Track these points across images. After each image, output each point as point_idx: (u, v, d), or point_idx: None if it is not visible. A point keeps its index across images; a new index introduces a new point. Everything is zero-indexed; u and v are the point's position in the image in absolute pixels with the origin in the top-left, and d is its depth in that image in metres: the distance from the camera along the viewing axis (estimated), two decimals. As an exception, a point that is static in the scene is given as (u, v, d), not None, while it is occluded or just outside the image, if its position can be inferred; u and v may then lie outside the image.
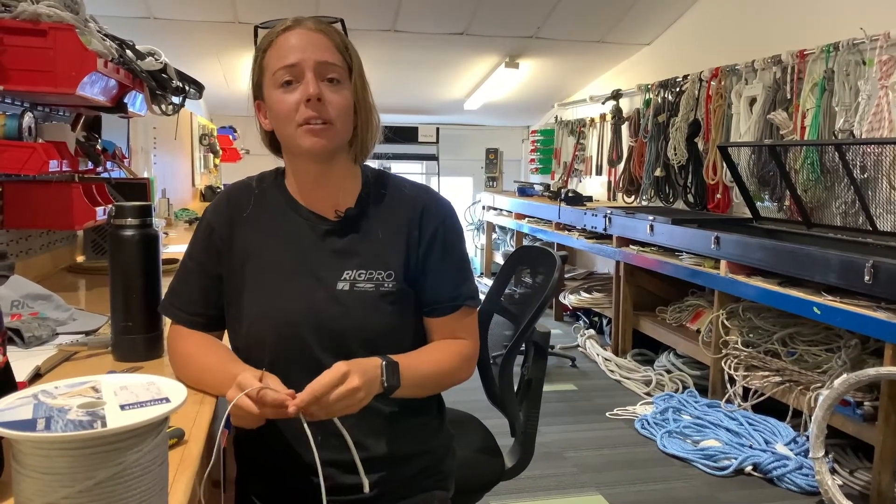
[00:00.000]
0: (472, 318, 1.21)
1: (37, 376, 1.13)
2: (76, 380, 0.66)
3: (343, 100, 1.08)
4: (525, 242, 6.03)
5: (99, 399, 0.61)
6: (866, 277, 2.37)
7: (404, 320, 1.14)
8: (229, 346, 1.17)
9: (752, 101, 3.66)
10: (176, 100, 2.26)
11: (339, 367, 0.96)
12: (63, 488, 0.53)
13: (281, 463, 1.12)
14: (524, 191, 6.09)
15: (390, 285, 1.11)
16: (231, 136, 6.12)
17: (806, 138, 3.28)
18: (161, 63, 2.09)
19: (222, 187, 5.62)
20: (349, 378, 0.95)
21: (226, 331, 1.20)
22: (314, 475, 1.07)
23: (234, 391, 0.92)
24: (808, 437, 2.47)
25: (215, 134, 5.82)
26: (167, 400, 0.61)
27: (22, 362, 1.14)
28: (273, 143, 1.16)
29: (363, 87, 1.12)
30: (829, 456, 2.55)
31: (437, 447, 1.21)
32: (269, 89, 1.09)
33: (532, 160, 6.89)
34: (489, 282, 5.88)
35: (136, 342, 1.22)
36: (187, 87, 2.28)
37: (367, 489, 0.99)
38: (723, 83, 3.94)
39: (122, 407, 0.59)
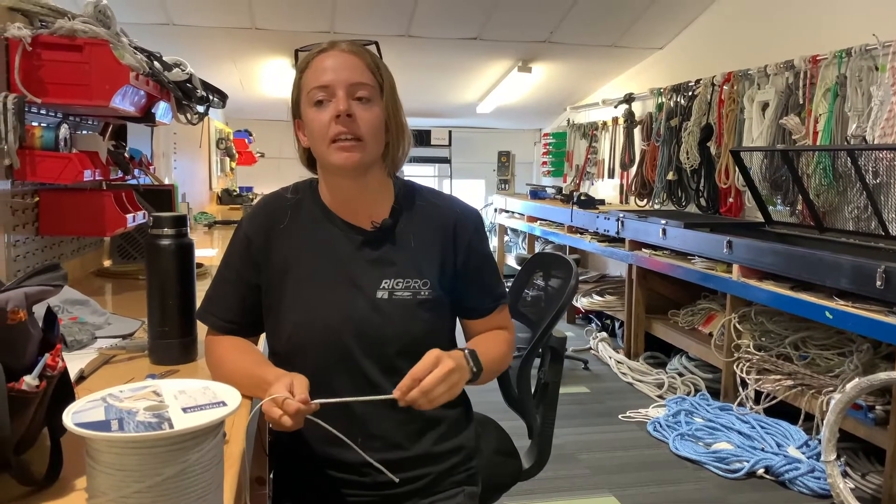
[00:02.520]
0: (506, 311, 1.31)
1: (81, 378, 1.19)
2: (137, 384, 0.72)
3: (373, 116, 1.13)
4: (537, 245, 6.07)
5: (161, 402, 0.67)
6: (878, 282, 2.40)
7: (440, 325, 1.21)
8: (261, 350, 1.23)
9: (765, 105, 3.68)
10: (200, 109, 2.32)
11: (431, 353, 1.04)
12: (134, 483, 0.59)
13: (316, 462, 1.18)
14: (536, 193, 6.13)
15: (426, 293, 1.18)
16: (247, 140, 6.19)
17: (818, 143, 3.31)
18: (187, 74, 2.15)
19: (237, 190, 5.71)
20: (442, 362, 1.03)
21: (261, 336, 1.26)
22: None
23: (269, 404, 0.98)
24: (819, 441, 2.50)
25: (231, 138, 5.89)
26: (223, 403, 0.67)
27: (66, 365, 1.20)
28: (310, 159, 1.22)
29: (395, 105, 1.18)
30: (841, 459, 2.58)
31: (467, 444, 1.28)
32: (305, 108, 1.15)
33: (544, 163, 6.93)
34: (502, 284, 5.87)
35: (171, 346, 1.27)
36: (211, 97, 2.34)
37: (378, 466, 1.07)
38: (735, 88, 3.96)
39: (185, 410, 0.65)
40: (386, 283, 1.16)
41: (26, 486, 0.79)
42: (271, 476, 1.34)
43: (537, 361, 1.67)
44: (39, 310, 0.91)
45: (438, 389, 1.02)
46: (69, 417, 0.63)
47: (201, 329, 1.27)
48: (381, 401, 1.05)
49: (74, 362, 1.22)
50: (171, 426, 0.61)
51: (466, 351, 1.11)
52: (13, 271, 1.64)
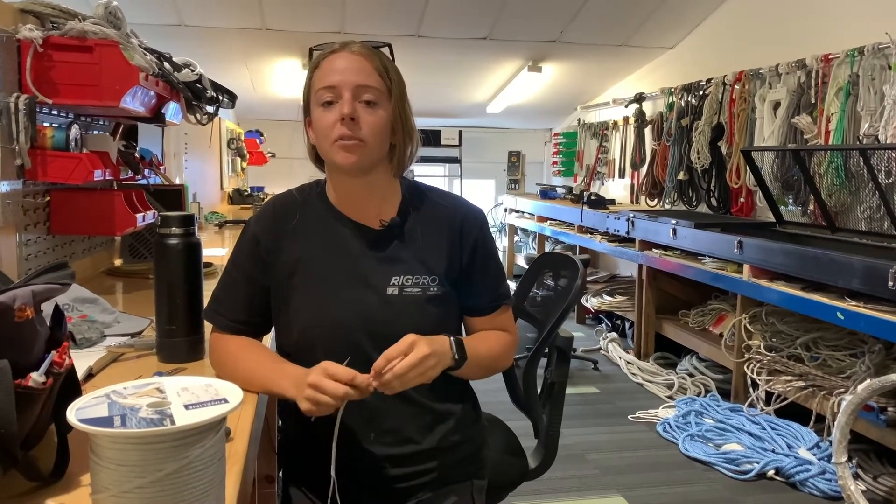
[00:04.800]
0: (509, 313, 1.31)
1: (89, 376, 1.20)
2: (141, 381, 0.73)
3: (377, 120, 1.15)
4: (547, 245, 6.06)
5: (164, 399, 0.67)
6: (890, 283, 2.37)
7: (448, 320, 1.23)
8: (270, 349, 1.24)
9: (776, 105, 3.66)
10: (210, 109, 2.34)
11: (407, 337, 1.05)
12: (136, 479, 0.60)
13: (325, 458, 1.19)
14: (546, 193, 6.12)
15: (435, 289, 1.20)
16: (258, 140, 6.22)
17: (830, 143, 3.28)
18: (196, 74, 2.17)
19: (248, 190, 5.74)
20: (417, 347, 1.04)
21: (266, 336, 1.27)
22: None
23: (319, 375, 1.01)
24: (831, 442, 2.48)
25: (242, 138, 5.92)
26: (225, 400, 0.67)
27: (75, 363, 1.21)
28: (318, 157, 1.23)
29: (403, 109, 1.19)
30: (853, 461, 2.56)
31: (475, 437, 1.30)
32: (313, 107, 1.17)
33: (554, 163, 6.92)
34: (511, 284, 5.87)
35: (179, 345, 1.28)
36: (221, 97, 2.36)
37: None
38: (746, 87, 3.94)
39: (186, 406, 0.65)
40: (396, 279, 1.18)
41: (33, 482, 0.80)
42: (280, 474, 1.36)
43: (543, 361, 1.67)
44: (48, 308, 0.92)
45: (411, 374, 1.04)
46: (73, 413, 0.64)
47: (208, 328, 1.28)
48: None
49: (83, 360, 1.23)
50: (172, 422, 0.62)
51: (452, 339, 1.12)
52: (24, 270, 1.66)
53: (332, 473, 1.05)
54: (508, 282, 1.35)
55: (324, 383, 1.00)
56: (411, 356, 1.04)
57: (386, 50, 1.22)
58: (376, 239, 1.20)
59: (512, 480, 1.59)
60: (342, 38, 1.21)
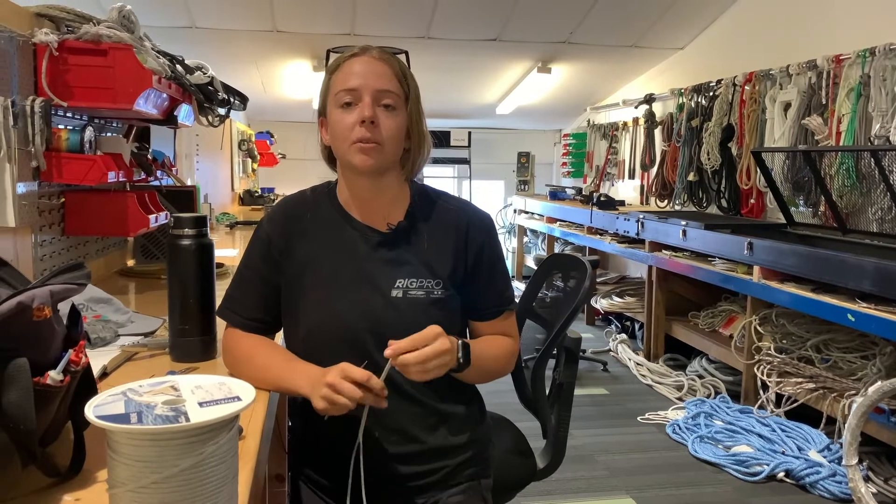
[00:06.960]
0: (513, 318, 1.32)
1: (104, 375, 1.22)
2: (156, 380, 0.75)
3: (395, 124, 1.17)
4: (556, 246, 6.06)
5: (179, 397, 0.69)
6: (901, 285, 2.37)
7: (452, 323, 1.24)
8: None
9: (787, 106, 3.65)
10: (221, 111, 2.36)
11: (434, 327, 1.07)
12: (152, 474, 0.61)
13: (335, 457, 1.20)
14: (556, 194, 6.11)
15: (439, 292, 1.21)
16: (268, 142, 6.26)
17: (841, 144, 3.27)
18: (208, 77, 2.19)
19: (259, 191, 5.77)
20: (441, 339, 1.06)
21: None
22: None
23: (337, 376, 1.03)
24: (841, 445, 2.47)
25: (253, 139, 5.96)
26: (238, 398, 0.69)
27: (90, 362, 1.23)
28: (331, 157, 1.25)
29: (418, 114, 1.22)
30: (864, 463, 2.55)
31: (481, 437, 1.31)
32: (331, 108, 1.19)
33: (564, 164, 6.91)
34: (520, 285, 5.89)
35: (192, 344, 1.30)
36: (232, 99, 2.38)
37: None
38: (757, 88, 3.93)
39: (201, 404, 0.67)
40: (400, 282, 1.20)
41: (51, 478, 0.82)
42: (290, 474, 1.37)
43: (552, 362, 1.68)
44: (64, 308, 0.94)
45: (433, 363, 1.05)
46: (91, 410, 0.66)
47: (220, 327, 1.29)
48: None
49: (98, 359, 1.25)
50: (187, 419, 0.63)
51: (461, 342, 1.13)
52: (40, 270, 1.68)
53: (355, 473, 1.06)
54: (517, 283, 1.37)
55: (342, 385, 1.02)
56: (437, 344, 1.05)
57: (402, 57, 1.24)
58: (383, 241, 1.22)
59: (520, 481, 1.59)
60: (352, 41, 1.23)
